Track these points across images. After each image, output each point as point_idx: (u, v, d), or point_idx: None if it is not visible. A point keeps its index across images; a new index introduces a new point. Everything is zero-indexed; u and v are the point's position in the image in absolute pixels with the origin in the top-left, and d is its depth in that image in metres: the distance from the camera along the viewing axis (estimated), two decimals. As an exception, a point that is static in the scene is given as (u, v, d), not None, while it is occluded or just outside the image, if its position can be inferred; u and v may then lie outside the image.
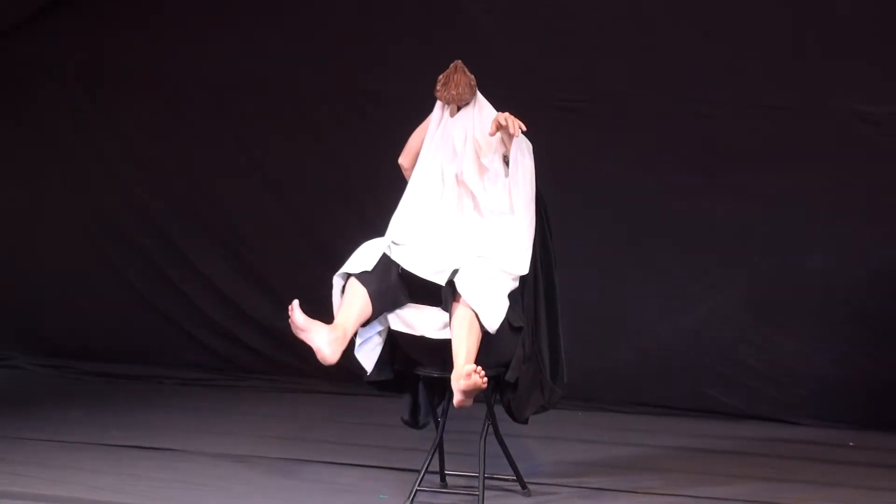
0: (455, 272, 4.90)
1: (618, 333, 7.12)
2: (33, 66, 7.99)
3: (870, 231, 6.77)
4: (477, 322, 4.84)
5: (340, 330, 4.85)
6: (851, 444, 6.45)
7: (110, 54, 7.87)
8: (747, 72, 6.88)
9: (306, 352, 7.49)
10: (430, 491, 5.30)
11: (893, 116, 6.71)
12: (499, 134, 5.15)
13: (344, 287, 4.99)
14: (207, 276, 7.77)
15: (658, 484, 5.58)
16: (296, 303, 4.81)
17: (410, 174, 5.33)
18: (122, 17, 7.85)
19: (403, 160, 5.38)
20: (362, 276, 4.94)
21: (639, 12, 7.03)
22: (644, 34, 7.01)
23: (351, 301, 4.92)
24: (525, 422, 5.29)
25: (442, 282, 4.93)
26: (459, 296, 4.84)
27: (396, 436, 6.16)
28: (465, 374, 4.67)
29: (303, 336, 4.85)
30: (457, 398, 4.73)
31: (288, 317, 4.83)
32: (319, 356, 4.82)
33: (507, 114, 5.09)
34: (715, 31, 6.91)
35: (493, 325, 4.88)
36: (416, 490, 5.15)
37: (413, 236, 5.11)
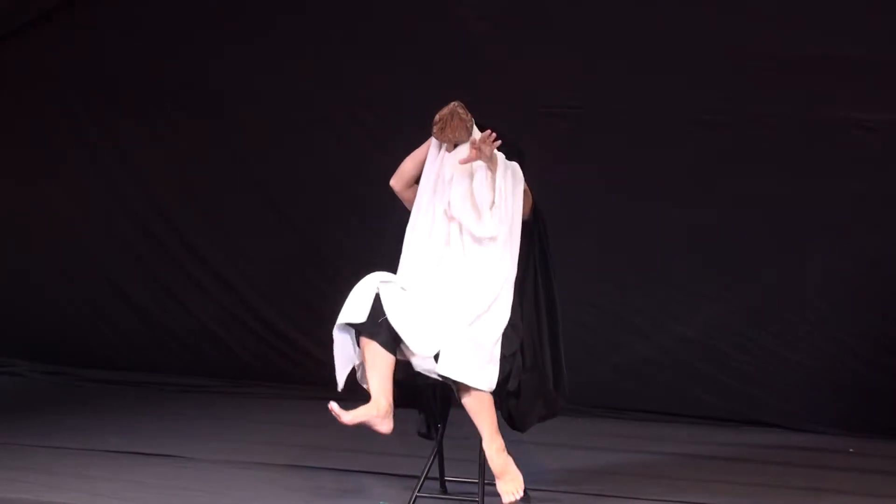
0: (437, 355, 4.97)
1: (617, 341, 7.12)
2: (28, 74, 7.99)
3: (867, 237, 6.77)
4: (486, 397, 4.99)
5: (383, 401, 4.97)
6: (851, 450, 6.45)
7: (106, 63, 7.88)
8: (744, 79, 6.89)
9: (305, 359, 7.56)
10: (430, 497, 5.30)
11: (889, 123, 6.71)
12: (484, 168, 5.16)
13: (358, 340, 5.05)
14: (207, 284, 7.78)
15: (658, 490, 5.58)
16: (334, 405, 4.86)
17: (402, 197, 5.36)
18: (119, 27, 7.85)
19: (395, 183, 5.38)
20: (369, 331, 4.99)
21: (635, 19, 7.03)
22: (641, 41, 7.01)
23: (374, 364, 5.00)
24: (524, 430, 5.33)
25: (426, 354, 5.00)
26: (458, 385, 4.96)
27: (396, 442, 6.15)
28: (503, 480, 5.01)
29: (356, 425, 4.98)
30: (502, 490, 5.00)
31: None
32: (380, 433, 5.00)
33: (482, 137, 5.07)
34: (713, 38, 6.91)
35: (490, 385, 5.01)
36: (416, 496, 5.15)
37: (408, 286, 5.12)
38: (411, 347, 5.00)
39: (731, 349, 6.96)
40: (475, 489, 5.12)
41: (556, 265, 5.36)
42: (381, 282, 5.05)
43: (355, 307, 5.01)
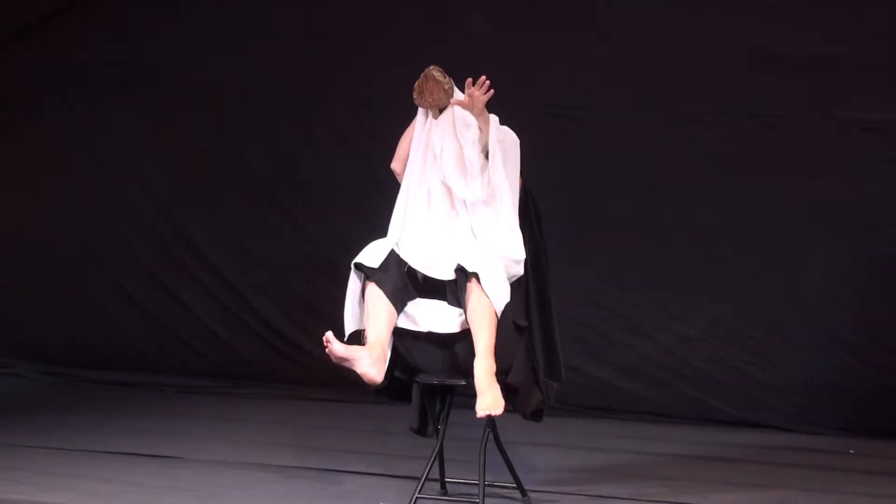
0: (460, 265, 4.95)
1: (617, 341, 7.11)
2: (31, 75, 7.99)
3: (869, 238, 6.77)
4: (492, 307, 4.90)
5: (378, 347, 4.93)
6: (851, 451, 6.45)
7: (108, 63, 7.88)
8: (746, 80, 6.89)
9: (305, 360, 7.55)
10: (431, 498, 5.29)
11: (889, 123, 6.72)
12: (475, 127, 5.16)
13: (363, 291, 5.04)
14: (206, 284, 7.77)
15: (658, 491, 5.58)
16: (330, 334, 4.84)
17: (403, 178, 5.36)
18: (120, 26, 7.86)
19: (396, 165, 5.41)
20: (378, 278, 5.00)
21: (635, 20, 7.03)
22: (641, 41, 7.01)
23: (376, 311, 4.99)
24: (534, 418, 5.28)
25: (448, 277, 4.98)
26: (471, 278, 4.89)
27: (397, 443, 6.16)
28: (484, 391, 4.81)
29: (345, 364, 4.91)
30: (478, 405, 4.82)
31: (324, 346, 4.85)
32: (366, 379, 4.90)
33: (478, 83, 5.08)
34: (713, 38, 6.92)
35: (499, 305, 4.93)
36: (417, 497, 5.14)
37: (412, 242, 5.13)
38: (430, 273, 4.99)
39: (731, 349, 6.96)
40: (475, 490, 5.11)
41: (548, 250, 5.34)
42: (400, 241, 5.10)
43: (370, 253, 5.04)
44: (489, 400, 4.81)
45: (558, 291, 5.39)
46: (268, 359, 7.72)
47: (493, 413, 4.81)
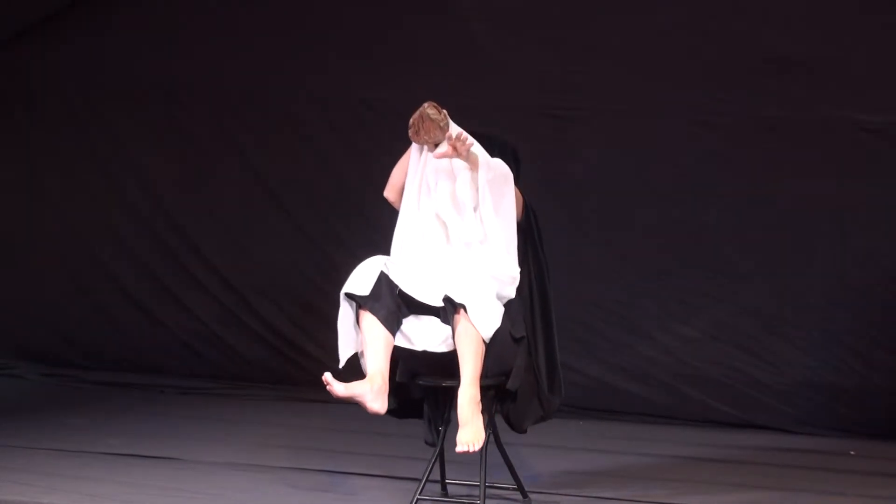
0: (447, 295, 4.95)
1: (617, 342, 7.11)
2: (31, 75, 7.98)
3: (870, 239, 6.77)
4: (479, 336, 4.90)
5: (379, 378, 4.93)
6: (853, 452, 6.45)
7: (109, 63, 7.87)
8: (744, 79, 6.89)
9: (306, 361, 7.55)
10: (431, 500, 5.29)
11: (889, 124, 6.71)
12: (466, 168, 5.15)
13: (357, 317, 5.03)
14: (206, 284, 7.76)
15: (659, 493, 5.58)
16: (328, 375, 4.84)
17: (398, 206, 5.34)
18: (121, 27, 7.85)
19: (389, 194, 5.38)
20: (371, 306, 4.99)
21: (636, 21, 7.03)
22: (641, 43, 7.01)
23: (372, 340, 4.98)
24: (524, 431, 5.32)
25: (437, 303, 4.99)
26: (458, 309, 4.89)
27: (397, 445, 6.16)
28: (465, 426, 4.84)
29: (347, 400, 4.93)
30: (458, 438, 4.85)
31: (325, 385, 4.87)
32: (371, 412, 4.93)
33: (456, 137, 5.07)
34: (713, 39, 6.91)
35: (487, 333, 4.92)
36: (417, 499, 5.14)
37: (403, 264, 5.13)
38: (420, 298, 4.99)
39: (732, 350, 6.96)
40: (476, 492, 5.11)
41: (549, 265, 5.34)
42: (388, 261, 5.07)
43: (360, 280, 5.01)
44: (470, 434, 4.84)
45: (557, 292, 5.39)
46: (268, 360, 7.71)
47: (472, 449, 4.83)
